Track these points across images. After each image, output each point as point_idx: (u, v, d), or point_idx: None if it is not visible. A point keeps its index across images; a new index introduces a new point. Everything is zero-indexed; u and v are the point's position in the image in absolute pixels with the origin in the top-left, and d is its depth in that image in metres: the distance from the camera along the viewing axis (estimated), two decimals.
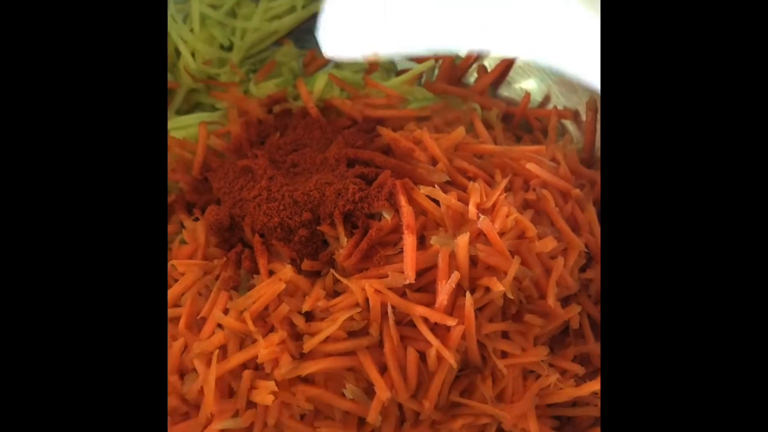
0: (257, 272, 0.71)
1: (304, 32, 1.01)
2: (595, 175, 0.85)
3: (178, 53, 0.95)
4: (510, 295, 0.68)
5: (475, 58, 0.99)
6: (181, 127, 0.88)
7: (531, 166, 0.76)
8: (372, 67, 0.97)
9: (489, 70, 0.98)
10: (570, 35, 0.64)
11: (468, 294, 0.67)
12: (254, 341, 0.68)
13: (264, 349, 0.66)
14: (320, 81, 0.89)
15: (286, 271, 0.69)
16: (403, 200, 0.70)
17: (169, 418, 0.70)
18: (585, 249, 0.76)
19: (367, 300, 0.67)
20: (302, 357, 0.68)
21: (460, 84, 0.99)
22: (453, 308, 0.68)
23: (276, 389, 0.65)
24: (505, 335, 0.71)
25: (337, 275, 0.69)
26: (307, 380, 0.68)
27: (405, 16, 0.66)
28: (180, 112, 0.94)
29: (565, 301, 0.75)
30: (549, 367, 0.73)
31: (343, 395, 0.67)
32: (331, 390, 0.68)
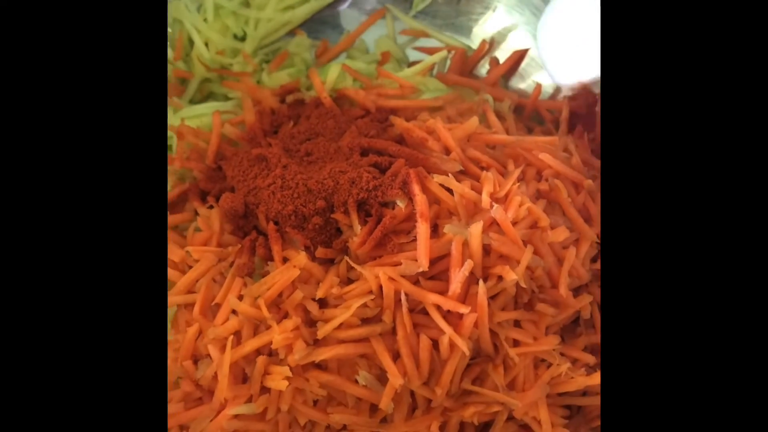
0: (271, 259, 0.71)
1: (316, 23, 1.01)
2: None
3: (191, 43, 0.95)
4: (523, 284, 0.68)
5: (487, 50, 0.99)
6: (194, 116, 0.88)
7: (544, 157, 0.77)
8: (384, 57, 0.97)
9: (501, 62, 0.98)
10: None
11: (481, 282, 0.67)
12: (268, 327, 0.68)
13: (278, 335, 0.66)
14: (333, 71, 0.89)
15: (301, 258, 0.69)
16: (416, 189, 0.70)
17: (182, 404, 0.70)
18: (597, 239, 0.76)
19: (380, 287, 0.67)
20: (316, 343, 0.68)
21: (471, 75, 0.99)
22: (466, 296, 0.68)
23: (290, 375, 0.66)
24: (517, 324, 0.72)
25: (351, 262, 0.70)
26: (321, 366, 0.68)
27: None
28: (193, 102, 0.95)
29: (576, 291, 0.76)
30: (560, 356, 0.73)
31: (356, 381, 0.68)
32: (344, 376, 0.68)
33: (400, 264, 0.68)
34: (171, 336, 0.72)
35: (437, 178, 0.71)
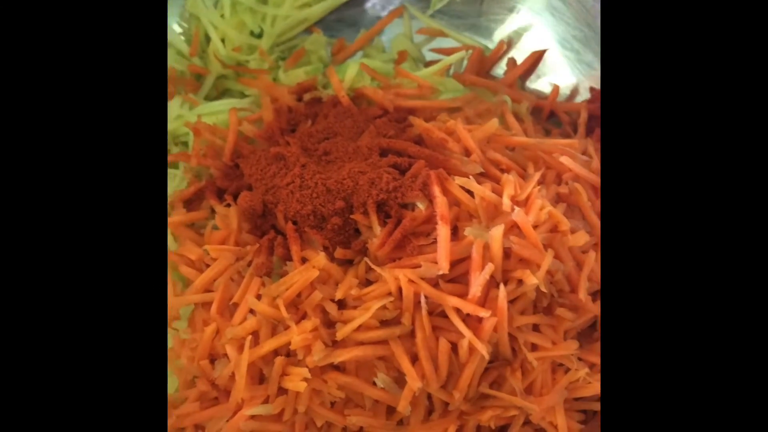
0: (290, 259, 0.71)
1: (333, 21, 1.00)
2: None
3: (207, 39, 0.95)
4: (543, 289, 0.68)
5: (505, 50, 0.98)
6: (211, 112, 0.88)
7: (564, 160, 0.76)
8: (401, 57, 0.96)
9: (518, 62, 0.97)
10: None
11: (501, 286, 0.66)
12: (287, 328, 0.68)
13: (297, 335, 0.66)
14: (351, 70, 0.88)
15: (320, 259, 0.69)
16: (437, 190, 0.70)
17: (198, 403, 0.70)
18: None
19: (400, 289, 0.67)
20: (334, 344, 0.68)
21: (488, 76, 0.98)
22: (485, 300, 0.68)
23: (308, 376, 0.65)
24: (535, 328, 0.71)
25: (370, 264, 0.69)
26: (339, 368, 0.68)
27: None
28: (209, 98, 0.94)
29: (594, 296, 0.75)
30: (578, 361, 0.73)
31: (374, 384, 0.67)
32: (362, 378, 0.68)
33: (420, 266, 0.67)
34: (188, 335, 0.72)
35: (458, 181, 0.70)
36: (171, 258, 0.75)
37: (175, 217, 0.78)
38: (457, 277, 0.69)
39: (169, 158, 0.84)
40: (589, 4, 0.92)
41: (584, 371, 0.71)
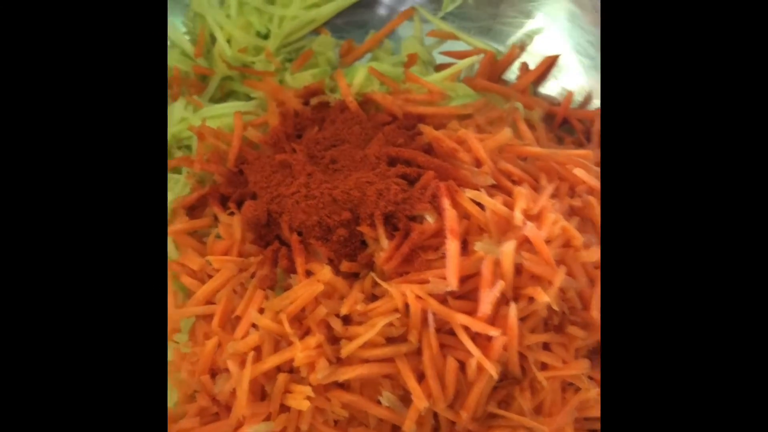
0: (294, 271, 0.69)
1: (342, 22, 0.98)
2: None
3: (213, 39, 0.93)
4: (555, 307, 0.66)
5: (517, 55, 0.96)
6: (215, 115, 0.86)
7: (578, 172, 0.74)
8: (411, 60, 0.94)
9: (531, 67, 0.95)
10: None
11: (512, 304, 0.64)
12: (290, 343, 0.66)
13: (300, 352, 0.64)
14: (360, 74, 0.86)
15: (325, 272, 0.67)
16: (446, 203, 0.67)
17: (198, 418, 0.68)
18: None
19: (406, 306, 0.65)
20: (339, 362, 0.66)
21: (500, 81, 0.96)
22: (495, 318, 0.66)
23: (312, 394, 0.64)
24: (546, 347, 0.69)
25: (376, 278, 0.67)
26: (343, 386, 0.66)
27: None
28: (213, 100, 0.92)
29: None
30: (589, 380, 0.70)
31: (379, 402, 0.65)
32: (366, 396, 0.66)
33: (428, 282, 0.65)
34: (189, 348, 0.70)
35: (468, 193, 0.68)
36: (172, 267, 0.73)
37: (177, 225, 0.76)
38: (466, 294, 0.67)
39: (172, 163, 0.82)
40: None
41: (595, 391, 0.69)
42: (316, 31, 0.97)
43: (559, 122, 0.91)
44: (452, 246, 0.66)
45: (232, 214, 0.76)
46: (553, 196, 0.73)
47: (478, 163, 0.73)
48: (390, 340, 0.65)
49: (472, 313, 0.65)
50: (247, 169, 0.77)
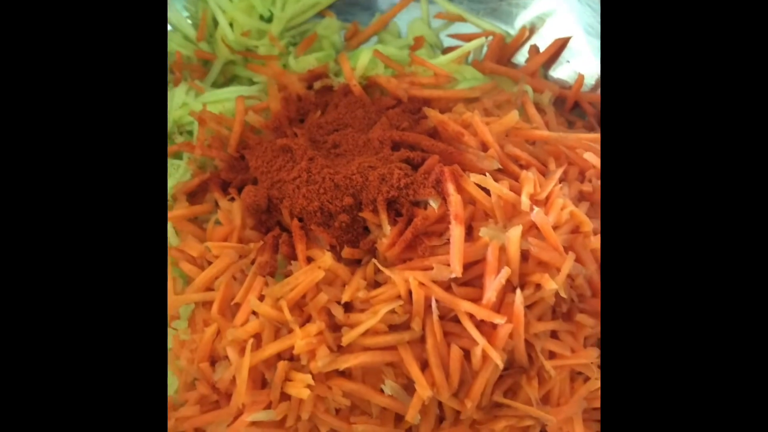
0: (295, 258, 0.68)
1: (347, 4, 0.96)
2: None
3: (215, 23, 0.91)
4: (563, 294, 0.64)
5: (527, 37, 0.94)
6: (217, 100, 0.84)
7: (588, 156, 0.72)
8: (418, 43, 0.92)
9: (541, 50, 0.92)
10: None
11: (518, 291, 0.63)
12: (290, 331, 0.65)
13: (301, 340, 0.63)
14: (364, 57, 0.84)
15: (326, 259, 0.65)
16: (451, 188, 0.66)
17: (198, 406, 0.67)
18: None
19: (410, 293, 0.64)
20: (340, 349, 0.64)
21: (509, 64, 0.94)
22: (501, 305, 0.64)
23: (312, 382, 0.62)
24: (553, 335, 0.67)
25: (379, 265, 0.66)
26: (344, 374, 0.65)
27: None
28: (216, 85, 0.91)
29: None
30: (598, 370, 0.69)
31: (381, 391, 0.64)
32: (368, 385, 0.65)
33: (432, 268, 0.64)
34: (188, 335, 0.69)
35: (473, 178, 0.66)
36: (172, 253, 0.72)
37: (178, 211, 0.75)
38: (471, 281, 0.65)
39: (173, 148, 0.80)
40: None
41: None
42: (321, 14, 0.95)
43: (570, 106, 0.89)
44: (457, 232, 0.64)
45: (232, 200, 0.75)
46: (562, 180, 0.71)
47: (484, 147, 0.72)
48: (392, 328, 0.64)
49: (476, 300, 0.63)
50: (248, 155, 0.76)
